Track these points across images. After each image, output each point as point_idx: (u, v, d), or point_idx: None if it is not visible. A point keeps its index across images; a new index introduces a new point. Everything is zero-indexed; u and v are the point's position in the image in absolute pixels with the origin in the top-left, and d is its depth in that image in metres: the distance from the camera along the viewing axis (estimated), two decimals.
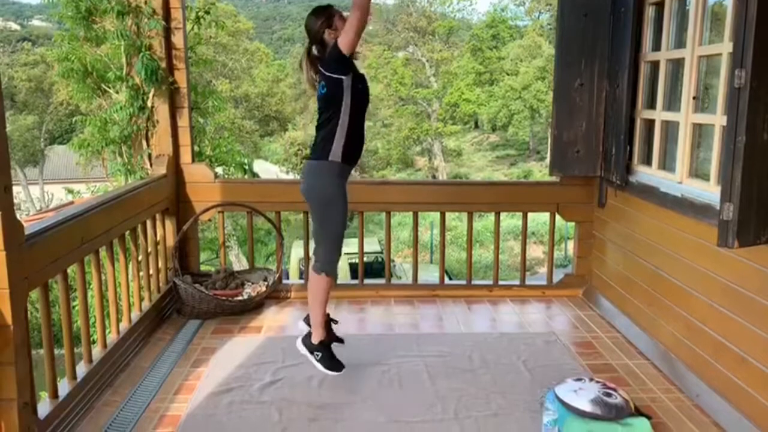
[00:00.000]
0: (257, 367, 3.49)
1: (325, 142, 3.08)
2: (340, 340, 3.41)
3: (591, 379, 2.99)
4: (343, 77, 3.02)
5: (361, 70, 3.17)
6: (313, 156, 3.17)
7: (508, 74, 34.47)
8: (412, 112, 33.30)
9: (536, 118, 32.39)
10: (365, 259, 5.37)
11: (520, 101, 31.61)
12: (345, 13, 3.10)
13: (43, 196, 25.49)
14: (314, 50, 3.16)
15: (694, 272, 3.25)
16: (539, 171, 29.32)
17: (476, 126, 40.33)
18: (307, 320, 3.41)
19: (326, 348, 3.23)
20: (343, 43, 2.95)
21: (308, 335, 3.28)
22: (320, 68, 3.09)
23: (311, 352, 3.23)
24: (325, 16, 3.11)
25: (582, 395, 2.80)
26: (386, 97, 33.85)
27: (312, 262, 3.27)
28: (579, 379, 2.98)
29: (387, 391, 3.23)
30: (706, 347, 3.13)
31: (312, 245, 3.39)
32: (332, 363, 3.21)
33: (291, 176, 23.62)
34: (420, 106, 34.09)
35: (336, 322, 3.43)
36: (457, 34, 38.91)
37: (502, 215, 5.11)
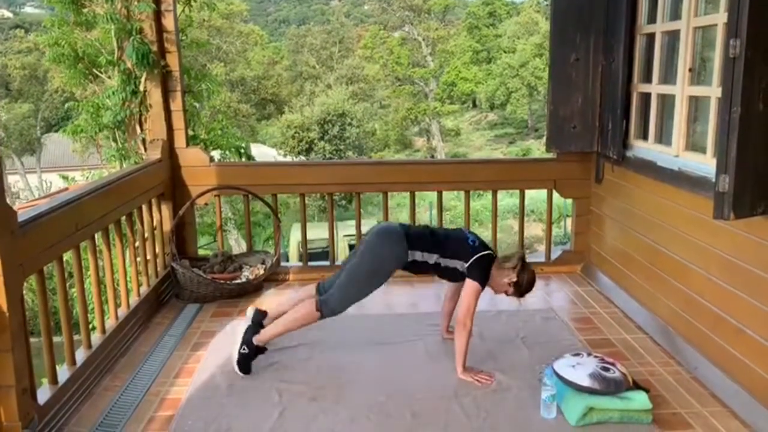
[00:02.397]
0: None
1: (421, 248, 3.19)
2: (264, 349, 3.33)
3: (589, 354, 3.00)
4: (459, 267, 3.20)
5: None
6: (406, 233, 3.23)
7: (505, 52, 34.26)
8: (409, 92, 33.14)
9: (534, 96, 32.23)
10: None
11: (518, 79, 31.44)
12: (505, 293, 3.29)
13: (41, 185, 25.40)
14: (518, 260, 3.24)
15: (692, 246, 3.25)
16: (538, 149, 29.22)
17: (474, 105, 40.16)
18: (257, 315, 3.36)
19: (254, 352, 3.21)
20: (472, 283, 3.17)
21: (252, 328, 3.24)
22: (475, 254, 3.19)
23: (242, 343, 3.19)
24: (518, 285, 3.21)
25: (580, 370, 2.81)
26: (383, 77, 33.68)
27: (320, 293, 3.27)
28: (577, 354, 2.99)
29: (387, 371, 3.24)
30: (704, 320, 3.14)
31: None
32: (246, 366, 3.19)
33: (289, 159, 23.54)
34: (417, 86, 33.92)
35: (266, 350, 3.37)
36: (453, 12, 38.62)
37: (502, 194, 5.10)
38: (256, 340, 3.21)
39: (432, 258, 3.20)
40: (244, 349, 3.19)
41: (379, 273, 3.22)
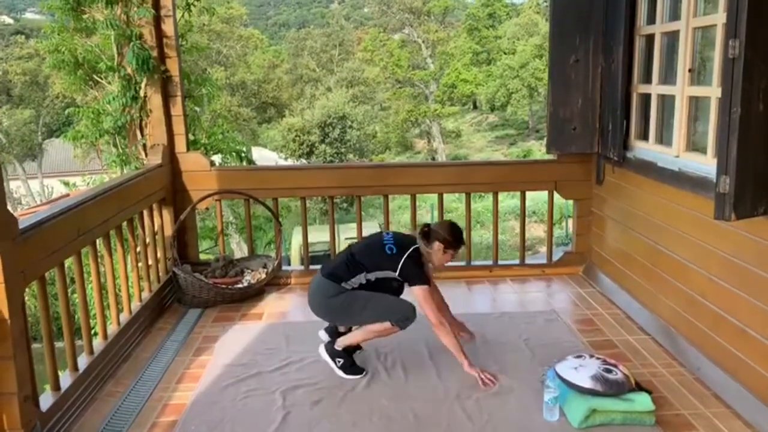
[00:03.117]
0: (260, 354, 3.50)
1: (347, 277, 3.16)
2: (359, 347, 3.42)
3: (591, 356, 2.99)
4: (390, 275, 3.15)
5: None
6: (327, 274, 3.22)
7: (505, 53, 34.25)
8: (409, 95, 33.13)
9: (535, 97, 32.20)
10: None
11: (518, 80, 31.42)
12: (451, 257, 3.23)
13: (43, 190, 25.46)
14: (423, 237, 3.20)
15: (693, 246, 3.24)
16: (539, 150, 29.19)
17: (474, 106, 40.16)
18: (328, 330, 3.44)
19: (348, 355, 3.26)
20: (417, 288, 3.12)
21: (330, 343, 3.30)
22: (399, 260, 3.13)
23: (333, 358, 3.25)
24: (448, 242, 3.17)
25: (582, 372, 2.81)
26: (383, 80, 33.68)
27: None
28: (579, 356, 2.98)
29: (390, 373, 3.25)
30: (706, 320, 3.13)
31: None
32: (353, 369, 3.24)
33: (290, 162, 23.55)
34: (417, 88, 33.92)
35: (361, 349, 3.43)
36: (452, 13, 38.65)
37: (503, 195, 5.10)
38: (339, 346, 3.25)
39: (362, 278, 3.15)
40: (338, 362, 3.23)
41: (357, 302, 3.15)
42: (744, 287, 2.83)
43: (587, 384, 2.76)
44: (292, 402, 2.99)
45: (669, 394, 2.98)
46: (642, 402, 2.74)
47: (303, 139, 23.64)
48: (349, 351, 3.27)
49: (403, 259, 3.12)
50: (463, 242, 3.26)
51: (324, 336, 3.44)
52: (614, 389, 2.75)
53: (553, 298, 4.41)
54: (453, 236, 3.19)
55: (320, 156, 23.37)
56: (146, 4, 4.33)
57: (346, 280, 3.15)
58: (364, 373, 3.23)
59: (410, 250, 3.15)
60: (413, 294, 3.14)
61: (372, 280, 3.16)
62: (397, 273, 3.12)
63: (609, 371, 2.81)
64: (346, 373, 3.21)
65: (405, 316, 3.12)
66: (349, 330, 3.38)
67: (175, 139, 4.56)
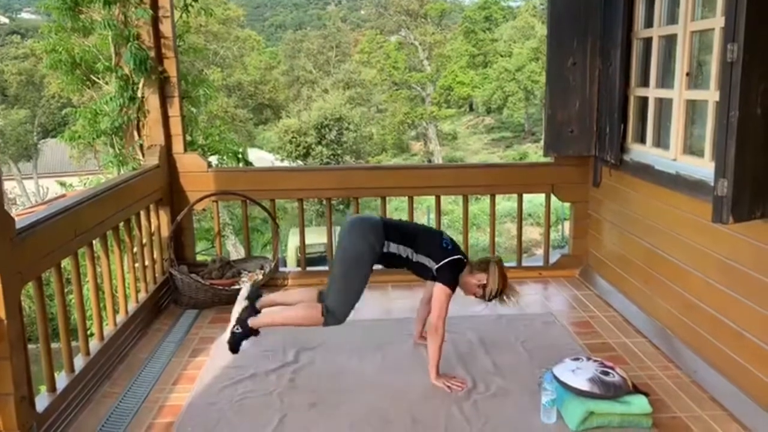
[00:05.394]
0: (256, 355, 3.48)
1: (396, 240, 3.17)
2: (257, 333, 3.31)
3: (588, 359, 3.00)
4: (428, 263, 3.16)
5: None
6: (384, 224, 3.23)
7: (501, 56, 34.35)
8: (406, 97, 33.17)
9: (531, 100, 32.29)
10: None
11: (515, 83, 31.50)
12: (476, 296, 3.23)
13: (38, 191, 25.36)
14: (478, 264, 3.22)
15: (690, 249, 3.25)
16: (535, 153, 29.25)
17: (471, 109, 40.21)
18: (253, 292, 3.32)
19: (245, 335, 3.19)
20: (442, 287, 3.13)
21: (249, 309, 3.21)
22: (447, 257, 3.16)
23: (236, 322, 3.18)
24: (487, 285, 3.16)
25: (579, 374, 2.81)
26: (380, 82, 33.71)
27: (324, 295, 3.20)
28: (576, 359, 2.98)
29: (387, 376, 3.24)
30: (703, 323, 3.14)
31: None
32: (236, 345, 3.18)
33: (286, 164, 23.52)
34: (414, 90, 33.96)
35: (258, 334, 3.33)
36: (449, 16, 38.72)
37: (500, 198, 5.10)
38: (252, 322, 3.18)
39: (406, 252, 3.16)
40: (237, 328, 3.17)
41: (361, 266, 3.14)
42: (741, 290, 2.83)
43: (585, 386, 2.76)
44: (289, 404, 2.99)
45: (666, 397, 2.98)
46: (639, 404, 2.74)
47: (299, 141, 23.62)
48: (254, 331, 3.19)
49: (450, 258, 3.14)
50: (495, 297, 3.23)
51: (246, 291, 3.30)
52: (612, 392, 2.75)
53: (550, 301, 4.41)
54: (493, 290, 3.17)
55: (317, 158, 23.36)
56: (144, 5, 4.32)
57: (393, 241, 3.15)
58: (236, 354, 3.19)
59: (459, 256, 3.19)
60: (436, 290, 3.13)
61: (412, 259, 3.17)
62: (437, 266, 3.13)
63: (606, 374, 2.81)
64: (229, 345, 3.16)
65: (339, 313, 3.11)
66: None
67: (172, 139, 4.56)
